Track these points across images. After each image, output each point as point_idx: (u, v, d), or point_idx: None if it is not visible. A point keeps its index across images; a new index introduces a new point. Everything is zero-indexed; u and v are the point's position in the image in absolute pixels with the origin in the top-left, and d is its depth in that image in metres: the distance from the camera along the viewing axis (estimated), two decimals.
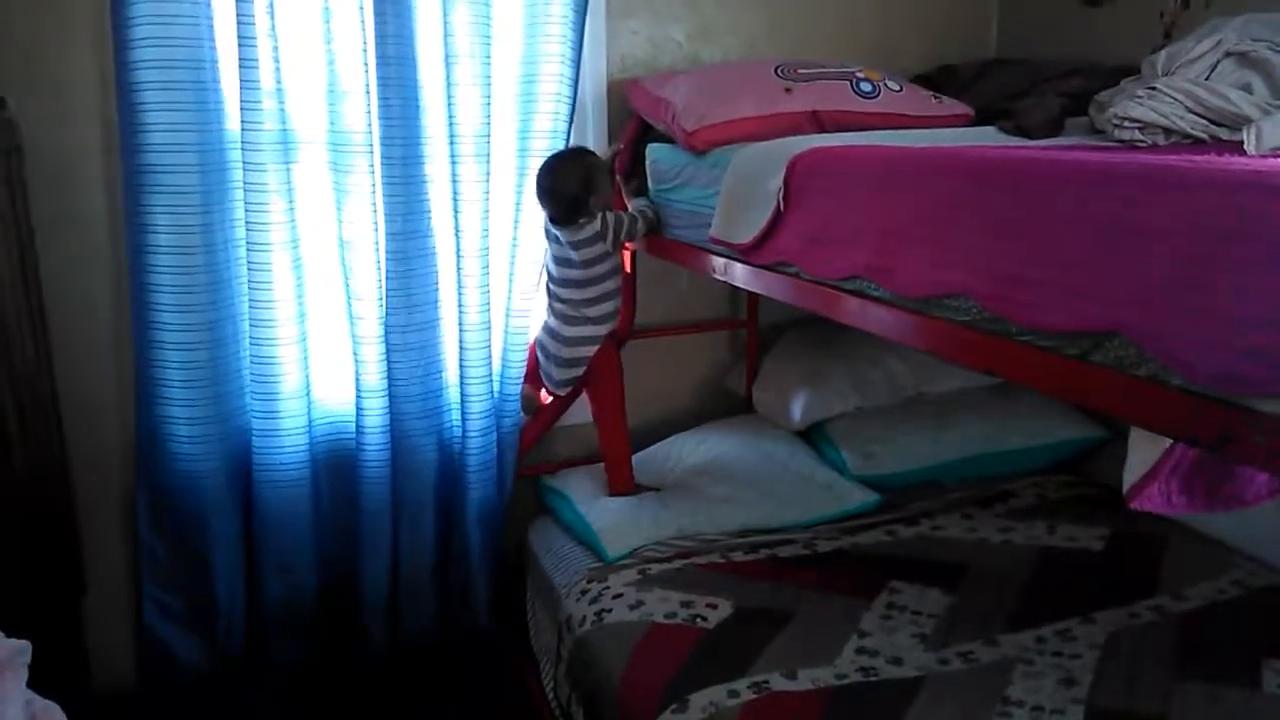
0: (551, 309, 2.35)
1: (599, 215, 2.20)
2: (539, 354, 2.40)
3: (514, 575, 2.52)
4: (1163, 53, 1.73)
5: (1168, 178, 1.03)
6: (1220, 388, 0.92)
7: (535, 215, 2.32)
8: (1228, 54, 1.68)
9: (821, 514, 2.37)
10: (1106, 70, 2.03)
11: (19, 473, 1.99)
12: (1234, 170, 0.98)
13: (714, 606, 1.97)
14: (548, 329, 2.37)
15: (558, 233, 2.24)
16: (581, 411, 2.67)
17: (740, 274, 1.90)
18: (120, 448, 2.28)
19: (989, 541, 2.26)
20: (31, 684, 1.26)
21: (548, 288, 2.35)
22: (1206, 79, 1.65)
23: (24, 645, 1.26)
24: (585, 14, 2.28)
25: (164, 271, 2.07)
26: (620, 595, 2.04)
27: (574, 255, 2.23)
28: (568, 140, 2.34)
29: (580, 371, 2.35)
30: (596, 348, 2.33)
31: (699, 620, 1.93)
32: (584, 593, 2.10)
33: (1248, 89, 1.63)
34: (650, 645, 1.88)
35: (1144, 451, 1.12)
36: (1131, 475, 1.14)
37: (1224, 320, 0.91)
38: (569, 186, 2.18)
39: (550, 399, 2.50)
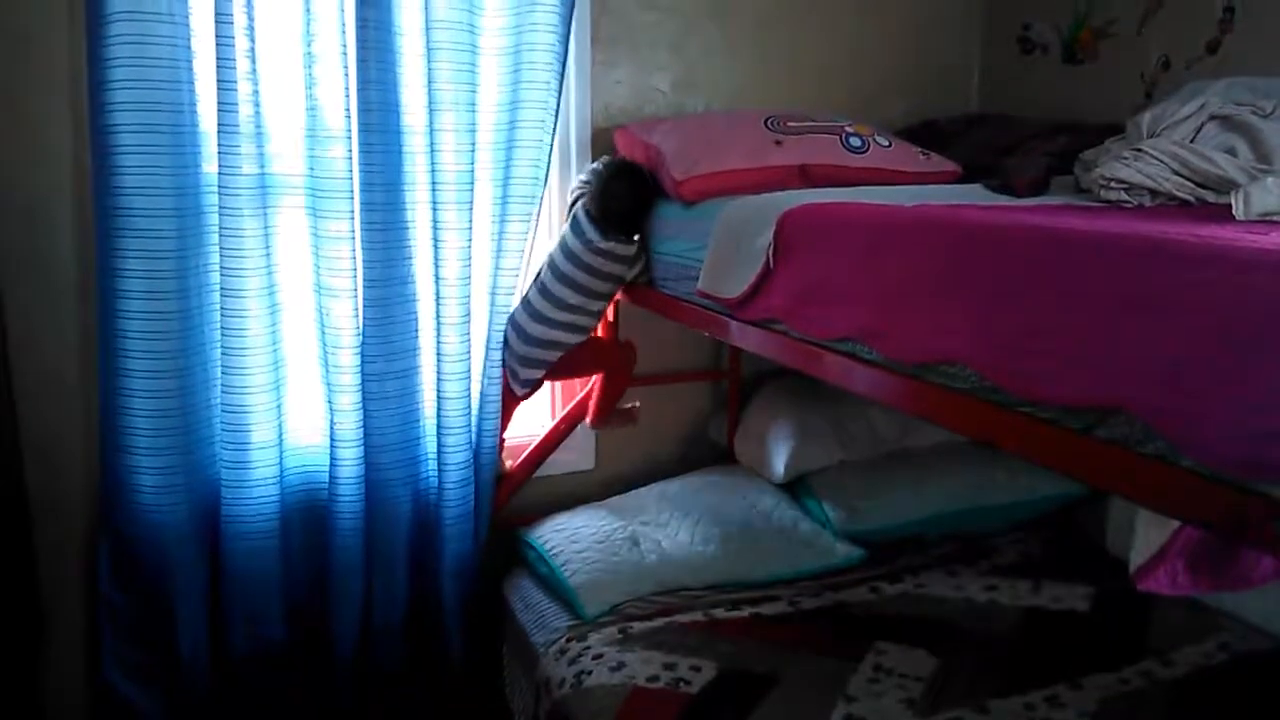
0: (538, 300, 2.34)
1: (637, 244, 2.25)
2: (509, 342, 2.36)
3: (489, 630, 2.45)
4: (1147, 114, 1.72)
5: (1176, 252, 1.01)
6: (1234, 472, 0.88)
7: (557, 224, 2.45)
8: (1212, 117, 1.68)
9: (805, 568, 2.33)
10: (1091, 129, 2.03)
11: None
12: (1243, 247, 0.97)
13: (697, 669, 1.92)
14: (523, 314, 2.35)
15: (593, 236, 2.23)
16: (559, 462, 2.63)
17: (727, 329, 1.87)
18: (84, 496, 2.20)
19: (974, 600, 2.22)
20: None
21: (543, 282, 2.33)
22: (1191, 141, 1.66)
23: None
24: (565, 65, 2.27)
25: (134, 317, 2.00)
26: (600, 656, 1.98)
27: (594, 262, 2.24)
28: (545, 187, 2.32)
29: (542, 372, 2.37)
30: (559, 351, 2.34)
31: (682, 684, 1.88)
32: (563, 653, 2.03)
33: (1232, 152, 1.63)
34: (632, 711, 1.82)
35: (1152, 532, 1.09)
36: (1139, 557, 1.11)
37: (1237, 402, 0.88)
38: (639, 191, 2.22)
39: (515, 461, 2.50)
